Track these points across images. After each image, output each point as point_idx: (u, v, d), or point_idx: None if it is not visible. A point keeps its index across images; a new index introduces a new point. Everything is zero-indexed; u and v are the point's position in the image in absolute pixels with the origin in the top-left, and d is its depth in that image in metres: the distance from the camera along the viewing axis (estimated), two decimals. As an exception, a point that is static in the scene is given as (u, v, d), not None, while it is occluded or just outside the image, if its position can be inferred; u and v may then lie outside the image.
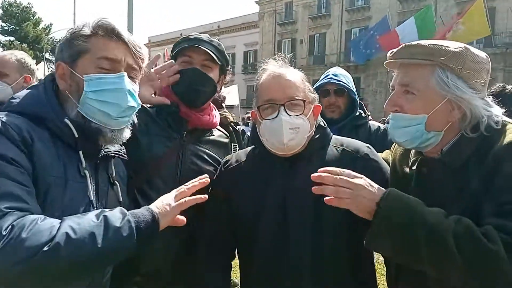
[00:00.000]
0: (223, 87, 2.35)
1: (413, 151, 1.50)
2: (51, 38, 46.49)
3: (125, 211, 1.22)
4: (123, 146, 1.53)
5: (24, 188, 1.12)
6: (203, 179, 1.45)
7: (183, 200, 1.36)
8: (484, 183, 1.22)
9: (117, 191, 1.49)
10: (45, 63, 43.51)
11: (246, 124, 12.63)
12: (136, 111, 1.44)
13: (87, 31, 1.35)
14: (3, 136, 1.15)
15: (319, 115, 1.71)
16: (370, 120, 3.02)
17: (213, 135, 2.04)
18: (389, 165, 1.66)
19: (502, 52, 25.78)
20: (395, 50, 1.41)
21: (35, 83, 1.45)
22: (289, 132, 1.52)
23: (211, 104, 2.08)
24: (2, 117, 1.21)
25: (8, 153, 1.13)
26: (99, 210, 1.19)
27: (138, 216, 1.23)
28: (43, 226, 1.06)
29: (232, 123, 2.38)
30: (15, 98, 1.33)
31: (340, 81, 2.76)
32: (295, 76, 1.61)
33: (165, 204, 1.34)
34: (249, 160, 1.76)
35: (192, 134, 1.92)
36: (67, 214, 1.22)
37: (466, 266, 1.11)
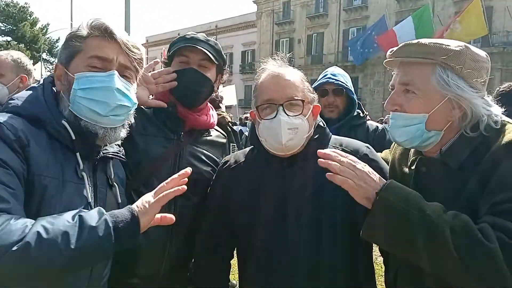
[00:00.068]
0: (220, 87, 2.34)
1: (412, 150, 1.50)
2: (48, 38, 46.43)
3: (103, 211, 1.19)
4: (122, 148, 1.52)
5: (7, 189, 1.10)
6: (183, 172, 1.38)
7: (161, 194, 1.30)
8: (482, 183, 1.22)
9: (116, 192, 1.48)
10: (42, 63, 43.50)
11: (244, 124, 12.63)
12: (132, 110, 1.43)
13: (83, 32, 1.36)
14: None
15: (318, 115, 1.70)
16: (368, 120, 3.01)
17: (211, 136, 2.03)
18: (388, 165, 1.66)
19: (499, 51, 25.86)
20: (395, 48, 1.40)
21: (34, 84, 1.46)
22: (287, 132, 1.51)
23: (209, 104, 2.07)
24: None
25: None
26: (77, 210, 1.15)
27: (117, 216, 1.19)
28: (15, 226, 1.04)
29: (229, 123, 2.37)
30: (14, 99, 1.33)
31: (338, 80, 2.75)
32: (294, 76, 1.60)
33: (145, 201, 1.29)
34: (248, 161, 1.75)
35: (189, 135, 1.91)
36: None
37: (461, 261, 1.11)
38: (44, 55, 45.21)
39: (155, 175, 1.78)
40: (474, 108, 1.29)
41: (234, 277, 4.22)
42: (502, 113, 1.34)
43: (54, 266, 1.06)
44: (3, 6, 43.04)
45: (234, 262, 1.89)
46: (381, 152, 1.80)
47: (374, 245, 1.72)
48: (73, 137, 1.31)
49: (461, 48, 1.32)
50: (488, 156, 1.23)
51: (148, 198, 1.31)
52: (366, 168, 1.31)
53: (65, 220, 1.10)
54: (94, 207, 1.34)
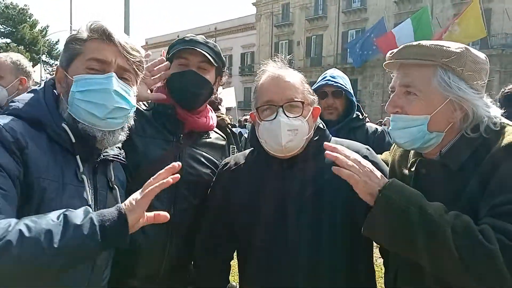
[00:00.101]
0: (220, 89, 2.34)
1: (412, 152, 1.50)
2: (47, 40, 46.43)
3: (90, 210, 1.16)
4: (122, 150, 1.52)
5: None
6: (170, 166, 1.33)
7: (147, 190, 1.25)
8: (481, 185, 1.22)
9: (116, 195, 1.48)
10: (42, 65, 43.46)
11: (243, 126, 12.64)
12: (131, 113, 1.44)
13: (83, 35, 1.36)
14: None
15: (318, 117, 1.70)
16: (368, 122, 3.01)
17: (210, 138, 2.03)
18: (388, 167, 1.66)
19: (498, 54, 25.92)
20: (395, 50, 1.41)
21: (35, 87, 1.48)
22: (287, 133, 1.52)
23: (208, 106, 2.07)
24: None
25: None
26: (63, 210, 1.13)
27: (104, 214, 1.16)
28: None
29: (229, 125, 2.37)
30: (15, 102, 1.34)
31: (337, 82, 2.76)
32: (295, 77, 1.61)
33: (132, 199, 1.24)
34: (248, 162, 1.75)
35: (188, 137, 1.91)
36: None
37: (461, 261, 1.11)
38: (43, 57, 45.16)
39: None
40: (476, 109, 1.30)
41: (233, 278, 4.23)
42: (502, 115, 1.34)
43: (38, 264, 1.04)
44: (2, 8, 43.07)
45: (233, 263, 1.89)
46: (381, 154, 1.80)
47: (374, 246, 1.72)
48: (73, 140, 1.31)
49: (462, 50, 1.33)
50: (488, 158, 1.23)
51: (135, 195, 1.26)
52: (370, 165, 1.32)
53: (49, 219, 1.08)
54: (94, 210, 1.34)
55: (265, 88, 1.60)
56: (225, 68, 2.06)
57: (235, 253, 1.86)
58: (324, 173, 1.59)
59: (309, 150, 1.61)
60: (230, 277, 1.91)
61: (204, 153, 1.95)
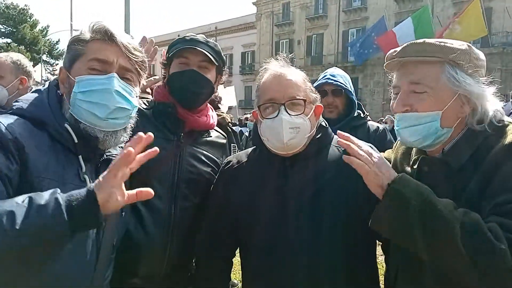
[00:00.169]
0: (220, 88, 2.34)
1: (414, 150, 1.50)
2: (48, 40, 46.44)
3: (58, 190, 1.11)
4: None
5: None
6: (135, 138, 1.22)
7: (111, 164, 1.16)
8: (483, 183, 1.22)
9: None
10: (42, 65, 43.51)
11: (244, 125, 12.63)
12: (133, 113, 1.44)
13: (85, 36, 1.37)
14: None
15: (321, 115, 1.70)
16: (369, 120, 3.01)
17: (211, 136, 2.03)
18: (390, 164, 1.65)
19: (499, 52, 25.90)
20: (398, 49, 1.40)
21: (39, 87, 1.47)
22: (289, 131, 1.52)
23: (208, 105, 2.07)
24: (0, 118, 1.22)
25: None
26: (31, 194, 1.10)
27: (72, 194, 1.11)
28: None
29: (229, 124, 2.37)
30: (19, 101, 1.36)
31: (337, 81, 2.76)
32: (296, 76, 1.61)
33: (100, 176, 1.17)
34: (250, 161, 1.76)
35: (189, 136, 1.91)
36: None
37: (469, 258, 1.10)
38: (44, 57, 45.21)
39: (154, 177, 1.78)
40: (482, 103, 1.31)
41: (235, 276, 4.23)
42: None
43: (0, 247, 1.03)
44: (3, 8, 43.09)
45: (235, 261, 1.89)
46: (383, 152, 1.80)
47: (376, 244, 1.72)
48: (76, 140, 1.32)
49: (465, 47, 1.36)
50: (490, 157, 1.23)
51: (104, 172, 1.20)
52: (381, 158, 1.32)
53: (13, 202, 1.06)
54: None
55: (267, 86, 1.61)
56: (225, 67, 2.06)
57: (237, 251, 1.86)
58: (327, 171, 1.59)
59: (312, 148, 1.62)
60: (231, 275, 1.91)
61: (204, 152, 1.95)
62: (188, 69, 1.88)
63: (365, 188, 1.55)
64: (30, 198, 1.07)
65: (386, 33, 17.11)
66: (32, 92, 1.42)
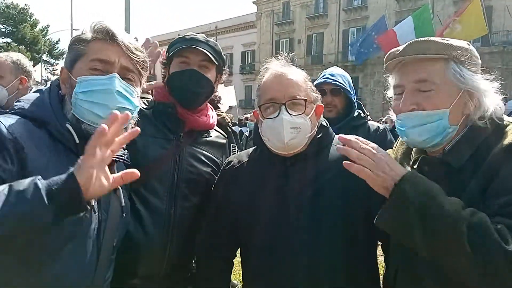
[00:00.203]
0: (220, 88, 2.34)
1: (414, 150, 1.49)
2: (48, 39, 46.44)
3: (39, 177, 1.08)
4: (126, 151, 1.52)
5: None
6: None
7: (88, 144, 1.12)
8: (484, 183, 1.21)
9: (120, 195, 1.48)
10: (43, 65, 43.51)
11: (244, 125, 12.62)
12: (134, 114, 1.43)
13: (87, 35, 1.37)
14: None
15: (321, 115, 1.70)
16: (369, 120, 3.01)
17: (210, 136, 2.03)
18: None
19: (499, 51, 25.88)
20: (400, 48, 1.39)
21: (41, 87, 1.47)
22: (290, 131, 1.52)
23: (208, 104, 2.07)
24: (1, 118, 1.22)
25: None
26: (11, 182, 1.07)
27: (52, 179, 1.08)
28: None
29: (229, 124, 2.37)
30: (21, 101, 1.36)
31: (336, 80, 2.77)
32: (297, 75, 1.61)
33: (79, 159, 1.13)
34: (251, 161, 1.76)
35: (189, 136, 1.91)
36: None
37: (475, 259, 1.09)
38: (44, 57, 45.19)
39: (154, 176, 1.78)
40: (486, 99, 1.31)
41: (235, 277, 4.23)
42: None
43: None
44: (3, 8, 43.08)
45: (235, 261, 1.88)
46: (384, 152, 1.79)
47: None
48: (77, 141, 1.31)
49: (466, 45, 1.37)
50: (490, 157, 1.23)
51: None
52: (387, 157, 1.28)
53: None
54: (98, 210, 1.35)
55: (268, 86, 1.60)
56: (225, 66, 2.05)
57: (238, 251, 1.85)
58: (327, 171, 1.59)
59: (312, 148, 1.61)
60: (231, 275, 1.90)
61: (204, 152, 1.94)
62: (188, 68, 1.87)
63: (366, 188, 1.55)
64: (10, 186, 1.05)
65: (386, 32, 17.09)
66: (33, 92, 1.43)
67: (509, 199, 1.15)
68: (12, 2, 43.84)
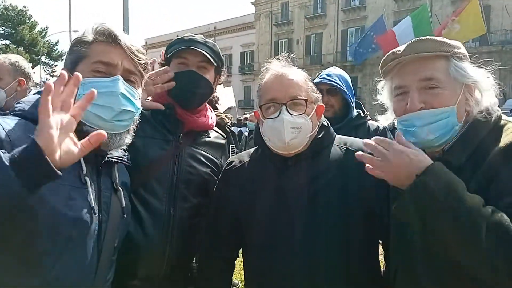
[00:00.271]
0: (219, 89, 2.34)
1: None
2: (47, 41, 46.41)
3: (2, 150, 1.05)
4: (127, 152, 1.52)
5: None
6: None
7: (39, 106, 1.08)
8: (484, 184, 1.21)
9: (120, 197, 1.48)
10: (42, 66, 43.47)
11: (244, 125, 12.62)
12: (136, 116, 1.44)
13: (88, 37, 1.37)
14: None
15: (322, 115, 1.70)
16: (369, 120, 3.02)
17: (210, 137, 2.03)
18: None
19: (498, 50, 25.93)
20: (400, 48, 1.39)
21: (40, 89, 1.47)
22: (290, 131, 1.52)
23: (207, 105, 2.06)
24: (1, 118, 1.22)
25: None
26: None
27: (16, 149, 1.05)
28: None
29: (228, 124, 2.37)
30: (21, 103, 1.35)
31: (331, 81, 2.79)
32: (298, 75, 1.61)
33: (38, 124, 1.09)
34: (252, 161, 1.76)
35: (188, 136, 1.91)
36: (64, 219, 1.22)
37: (490, 255, 1.08)
38: (43, 58, 45.12)
39: (154, 177, 1.78)
40: (485, 93, 1.33)
41: (235, 276, 4.23)
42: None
43: None
44: (1, 10, 43.05)
45: (236, 262, 1.88)
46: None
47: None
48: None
49: (459, 43, 1.40)
50: (491, 158, 1.23)
51: None
52: (409, 150, 1.24)
53: None
54: (98, 211, 1.35)
55: (268, 86, 1.61)
56: (224, 67, 2.05)
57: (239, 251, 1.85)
58: (328, 170, 1.59)
59: (313, 148, 1.62)
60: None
61: (203, 152, 1.94)
62: (187, 69, 1.87)
63: (368, 187, 1.54)
64: None
65: (385, 32, 17.09)
66: (34, 94, 1.42)
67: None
68: (10, 4, 43.84)
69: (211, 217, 1.82)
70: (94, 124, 1.32)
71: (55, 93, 1.08)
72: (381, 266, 1.74)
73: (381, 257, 1.74)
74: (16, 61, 2.77)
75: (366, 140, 1.30)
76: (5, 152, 1.03)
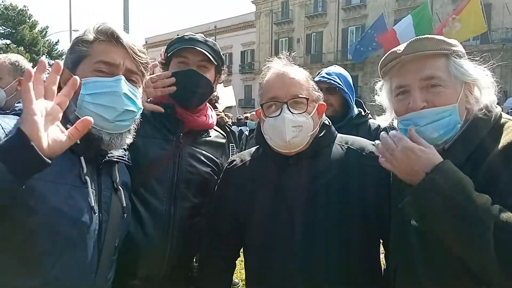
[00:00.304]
0: (219, 88, 2.34)
1: None
2: (47, 40, 46.41)
3: None
4: (127, 152, 1.52)
5: None
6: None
7: (23, 96, 1.06)
8: (484, 183, 1.20)
9: (121, 196, 1.48)
10: (42, 66, 43.35)
11: (244, 124, 12.62)
12: (138, 115, 1.44)
13: (89, 36, 1.37)
14: None
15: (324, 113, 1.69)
16: (370, 118, 3.01)
17: (210, 136, 2.03)
18: None
19: (498, 48, 25.87)
20: (401, 48, 1.38)
21: None
22: (291, 130, 1.52)
23: (208, 104, 2.06)
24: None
25: None
26: None
27: (3, 140, 1.04)
28: None
29: (227, 124, 2.37)
30: (21, 102, 1.33)
31: (330, 79, 2.80)
32: (299, 74, 1.61)
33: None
34: (253, 160, 1.76)
35: (188, 136, 1.91)
36: (64, 219, 1.22)
37: (497, 254, 1.08)
38: (43, 58, 45.08)
39: (154, 177, 1.77)
40: (484, 89, 1.33)
41: (236, 276, 4.24)
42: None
43: None
44: (2, 9, 43.05)
45: (237, 261, 1.88)
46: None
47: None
48: (78, 141, 1.29)
49: (457, 42, 1.40)
50: (491, 157, 1.22)
51: None
52: (415, 147, 1.24)
53: None
54: (98, 211, 1.35)
55: (270, 84, 1.61)
56: (224, 66, 2.05)
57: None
58: (330, 169, 1.59)
59: (314, 147, 1.61)
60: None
61: (204, 152, 1.94)
62: (187, 69, 1.87)
63: (371, 186, 1.54)
64: None
65: (386, 31, 17.07)
66: None
67: None
68: (11, 3, 43.84)
69: (211, 216, 1.82)
70: (96, 124, 1.31)
71: (36, 81, 1.06)
72: (382, 265, 1.74)
73: (382, 256, 1.74)
74: (16, 61, 2.77)
75: (383, 133, 1.32)
76: None
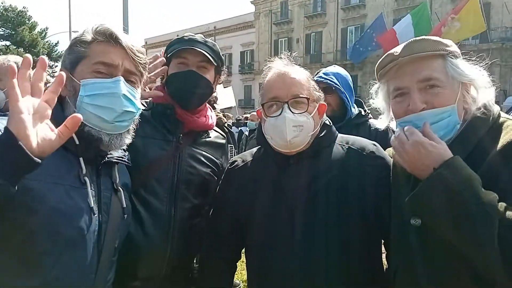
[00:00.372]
0: (219, 88, 2.34)
1: None
2: (47, 42, 46.39)
3: None
4: (127, 152, 1.52)
5: None
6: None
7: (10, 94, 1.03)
8: (485, 181, 1.19)
9: (121, 197, 1.48)
10: (41, 67, 43.33)
11: (244, 125, 12.62)
12: (137, 116, 1.43)
13: (87, 37, 1.36)
14: None
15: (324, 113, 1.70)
16: (370, 118, 3.01)
17: (210, 137, 2.03)
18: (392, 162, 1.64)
19: (498, 47, 25.89)
20: (398, 49, 1.38)
21: None
22: (292, 129, 1.52)
23: (207, 105, 2.06)
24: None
25: None
26: None
27: None
28: None
29: (226, 124, 2.37)
30: None
31: (327, 79, 2.81)
32: (300, 74, 1.62)
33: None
34: (254, 160, 1.76)
35: (188, 136, 1.91)
36: (63, 219, 1.23)
37: (502, 251, 1.08)
38: (44, 57, 44.96)
39: (154, 178, 1.77)
40: (481, 89, 1.33)
41: (237, 277, 4.24)
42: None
43: None
44: (1, 11, 43.04)
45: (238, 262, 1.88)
46: (384, 150, 1.78)
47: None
48: (77, 142, 1.30)
49: (452, 42, 1.41)
50: (491, 157, 1.22)
51: None
52: (426, 143, 1.24)
53: None
54: (98, 212, 1.35)
55: (270, 84, 1.61)
56: (224, 67, 2.05)
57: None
58: (330, 169, 1.59)
59: (315, 147, 1.61)
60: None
61: (204, 152, 1.94)
62: (187, 69, 1.87)
63: (371, 186, 1.54)
64: None
65: (386, 31, 17.07)
66: None
67: None
68: (10, 4, 43.82)
69: (212, 217, 1.83)
70: (95, 125, 1.32)
71: (21, 77, 1.04)
72: (384, 265, 1.74)
73: (383, 256, 1.73)
74: (16, 62, 2.77)
75: (398, 128, 1.33)
76: None
